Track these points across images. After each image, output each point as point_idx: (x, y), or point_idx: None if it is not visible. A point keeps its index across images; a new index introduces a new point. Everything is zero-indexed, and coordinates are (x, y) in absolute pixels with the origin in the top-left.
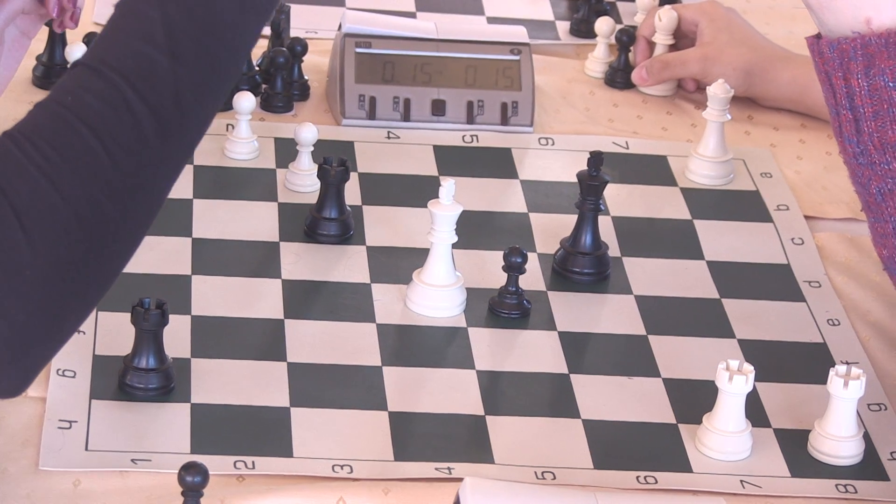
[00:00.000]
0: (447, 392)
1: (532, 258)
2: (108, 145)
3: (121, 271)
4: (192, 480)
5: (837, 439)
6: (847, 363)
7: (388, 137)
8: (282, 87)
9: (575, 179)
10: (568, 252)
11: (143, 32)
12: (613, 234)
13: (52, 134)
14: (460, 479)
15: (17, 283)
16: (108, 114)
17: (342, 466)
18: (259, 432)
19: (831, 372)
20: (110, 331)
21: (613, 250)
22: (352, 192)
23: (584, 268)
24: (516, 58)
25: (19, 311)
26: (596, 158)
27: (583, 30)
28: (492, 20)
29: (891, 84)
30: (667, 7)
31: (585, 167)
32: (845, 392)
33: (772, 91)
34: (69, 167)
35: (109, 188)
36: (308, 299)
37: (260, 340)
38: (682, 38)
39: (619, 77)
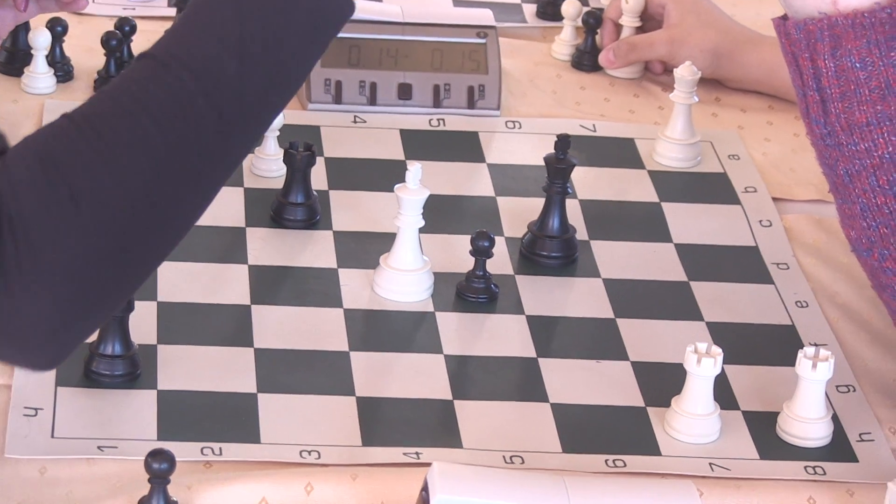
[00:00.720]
0: (415, 377)
1: (499, 242)
2: (168, 136)
3: (162, 261)
4: (159, 467)
5: (806, 421)
6: (815, 345)
7: (355, 122)
8: None
9: (542, 163)
10: (536, 236)
11: (216, 32)
12: (581, 218)
13: (112, 119)
14: (428, 464)
15: (65, 261)
16: (172, 106)
17: (310, 452)
18: (226, 418)
19: (800, 354)
20: None
21: (581, 233)
22: (318, 177)
23: (551, 251)
24: (482, 41)
25: (64, 289)
26: (563, 142)
27: (549, 12)
28: (458, 3)
29: (857, 65)
30: None
31: (553, 150)
32: (814, 374)
33: (739, 73)
34: (126, 153)
35: (163, 179)
36: (275, 285)
37: (227, 326)
38: (648, 20)
39: (586, 60)
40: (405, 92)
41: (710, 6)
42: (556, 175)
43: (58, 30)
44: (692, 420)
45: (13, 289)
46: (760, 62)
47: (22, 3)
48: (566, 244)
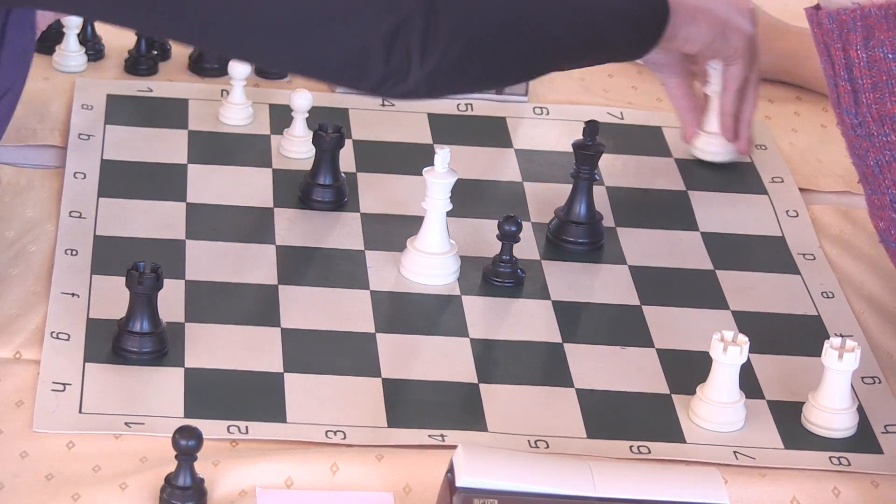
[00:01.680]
0: (440, 360)
1: (526, 227)
2: None
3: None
4: (186, 444)
5: (831, 411)
6: (842, 336)
7: (383, 105)
8: None
9: (569, 149)
10: (562, 221)
11: None
12: (608, 205)
13: None
14: (453, 447)
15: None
16: None
17: (335, 432)
18: (252, 397)
19: (826, 344)
20: (104, 294)
21: (608, 220)
22: (346, 159)
23: (578, 237)
24: None
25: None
26: (591, 127)
27: None
28: None
29: (890, 55)
30: None
31: (580, 137)
32: (840, 364)
33: (767, 62)
34: None
35: None
36: (302, 265)
37: (254, 306)
38: None
39: None
40: None
41: None
42: (583, 161)
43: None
44: (717, 408)
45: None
46: (789, 51)
47: None
48: (593, 230)
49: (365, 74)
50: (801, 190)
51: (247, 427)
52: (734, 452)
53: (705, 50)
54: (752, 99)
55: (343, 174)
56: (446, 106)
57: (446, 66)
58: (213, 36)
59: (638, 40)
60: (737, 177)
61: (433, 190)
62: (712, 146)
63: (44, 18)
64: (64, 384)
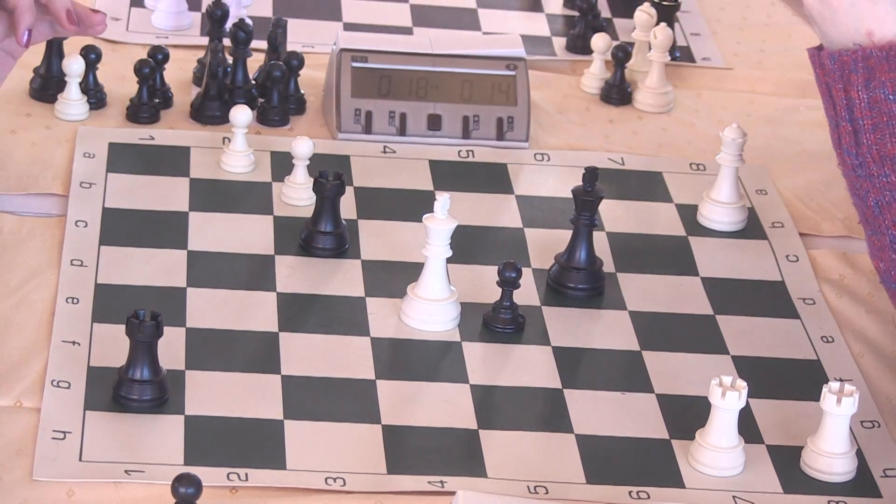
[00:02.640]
0: (441, 406)
1: (526, 273)
2: None
3: None
4: (186, 492)
5: (830, 456)
6: (840, 380)
7: (384, 152)
8: (278, 100)
9: (570, 195)
10: (563, 267)
11: None
12: (608, 250)
13: None
14: (453, 493)
15: None
16: None
17: (335, 479)
18: (252, 444)
19: (825, 388)
20: (105, 342)
21: (608, 266)
22: (347, 206)
23: (578, 283)
24: (512, 73)
25: None
26: (591, 174)
27: (579, 46)
28: (488, 34)
29: (891, 97)
30: (662, 25)
31: (580, 183)
32: (838, 409)
33: None
34: None
35: None
36: (303, 312)
37: (254, 353)
38: None
39: (614, 93)
40: (435, 123)
41: None
42: (583, 207)
43: (91, 57)
44: (716, 453)
45: None
46: None
47: (23, 38)
48: (593, 276)
49: None
50: (802, 234)
51: (247, 474)
52: (733, 497)
53: None
54: None
55: (344, 221)
56: (447, 153)
57: None
58: None
59: None
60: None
61: (433, 236)
62: (718, 216)
63: (39, 34)
64: (64, 432)
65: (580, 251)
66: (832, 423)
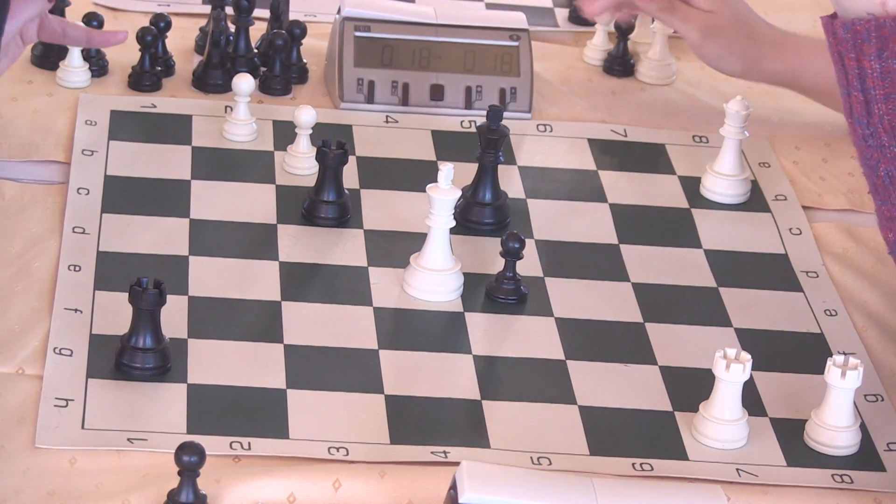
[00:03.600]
0: (443, 376)
1: (529, 244)
2: None
3: None
4: (189, 460)
5: (834, 429)
6: (844, 353)
7: (387, 122)
8: (280, 69)
9: (574, 166)
10: (468, 202)
11: None
12: (611, 222)
13: None
14: (456, 463)
15: None
16: None
17: (338, 449)
18: (255, 414)
19: (829, 362)
20: (108, 310)
21: (611, 238)
22: (350, 176)
23: (483, 218)
24: (515, 44)
25: None
26: (495, 112)
27: (581, 17)
28: (491, 6)
29: None
30: None
31: (581, 153)
32: (843, 382)
33: (763, 79)
34: None
35: None
36: (305, 282)
37: (257, 322)
38: None
39: (617, 65)
40: (437, 93)
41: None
42: (488, 145)
43: (93, 24)
44: (720, 425)
45: None
46: (785, 69)
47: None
48: (497, 211)
49: None
50: (805, 208)
51: (249, 443)
52: (737, 470)
53: None
54: None
55: (347, 191)
56: (450, 123)
57: None
58: None
59: None
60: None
61: (436, 206)
62: (721, 188)
63: (46, 32)
64: (66, 400)
65: (485, 188)
66: (836, 397)
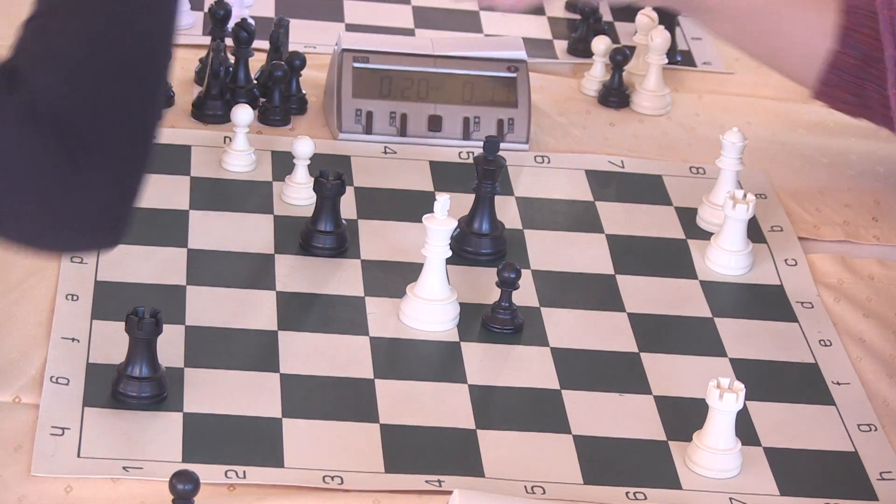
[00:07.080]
0: (439, 405)
1: (525, 274)
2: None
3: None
4: (183, 488)
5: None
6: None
7: (385, 152)
8: (279, 100)
9: (571, 197)
10: (464, 232)
11: None
12: (608, 253)
13: None
14: (450, 492)
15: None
16: None
17: (333, 477)
18: (251, 442)
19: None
20: (104, 339)
21: (608, 268)
22: (347, 206)
23: (480, 248)
24: (513, 75)
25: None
26: (492, 144)
27: (580, 49)
28: (490, 37)
29: None
30: (660, 28)
31: (578, 184)
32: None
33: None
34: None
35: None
36: (302, 311)
37: (253, 351)
38: None
39: (612, 96)
40: (435, 124)
41: None
42: (485, 175)
43: None
44: (713, 455)
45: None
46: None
47: None
48: (495, 241)
49: None
50: (801, 239)
51: (244, 472)
52: (730, 499)
53: None
54: None
55: (344, 221)
56: (448, 154)
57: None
58: None
59: None
60: None
61: (433, 236)
62: (717, 219)
63: None
64: (63, 428)
65: (482, 218)
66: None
